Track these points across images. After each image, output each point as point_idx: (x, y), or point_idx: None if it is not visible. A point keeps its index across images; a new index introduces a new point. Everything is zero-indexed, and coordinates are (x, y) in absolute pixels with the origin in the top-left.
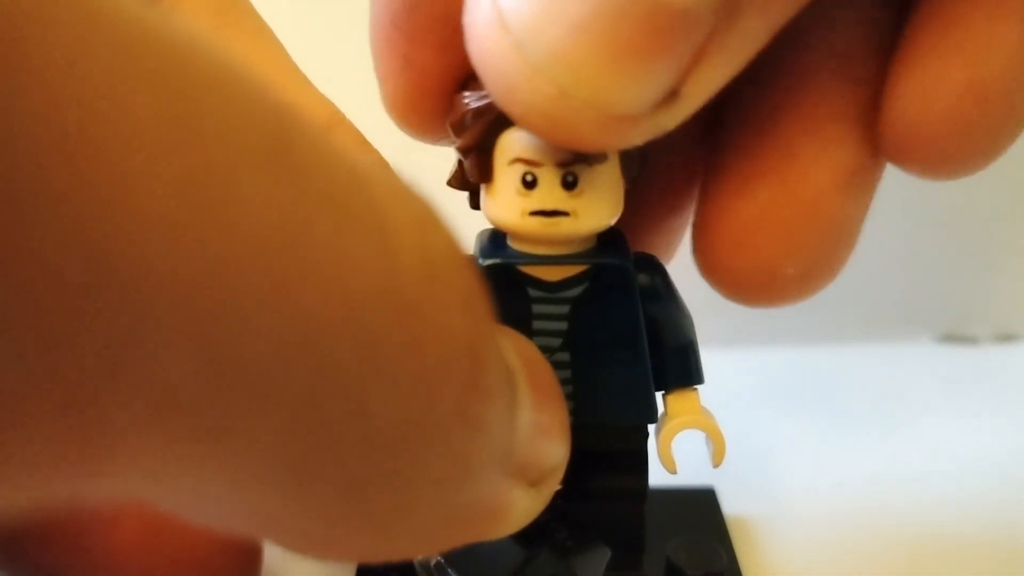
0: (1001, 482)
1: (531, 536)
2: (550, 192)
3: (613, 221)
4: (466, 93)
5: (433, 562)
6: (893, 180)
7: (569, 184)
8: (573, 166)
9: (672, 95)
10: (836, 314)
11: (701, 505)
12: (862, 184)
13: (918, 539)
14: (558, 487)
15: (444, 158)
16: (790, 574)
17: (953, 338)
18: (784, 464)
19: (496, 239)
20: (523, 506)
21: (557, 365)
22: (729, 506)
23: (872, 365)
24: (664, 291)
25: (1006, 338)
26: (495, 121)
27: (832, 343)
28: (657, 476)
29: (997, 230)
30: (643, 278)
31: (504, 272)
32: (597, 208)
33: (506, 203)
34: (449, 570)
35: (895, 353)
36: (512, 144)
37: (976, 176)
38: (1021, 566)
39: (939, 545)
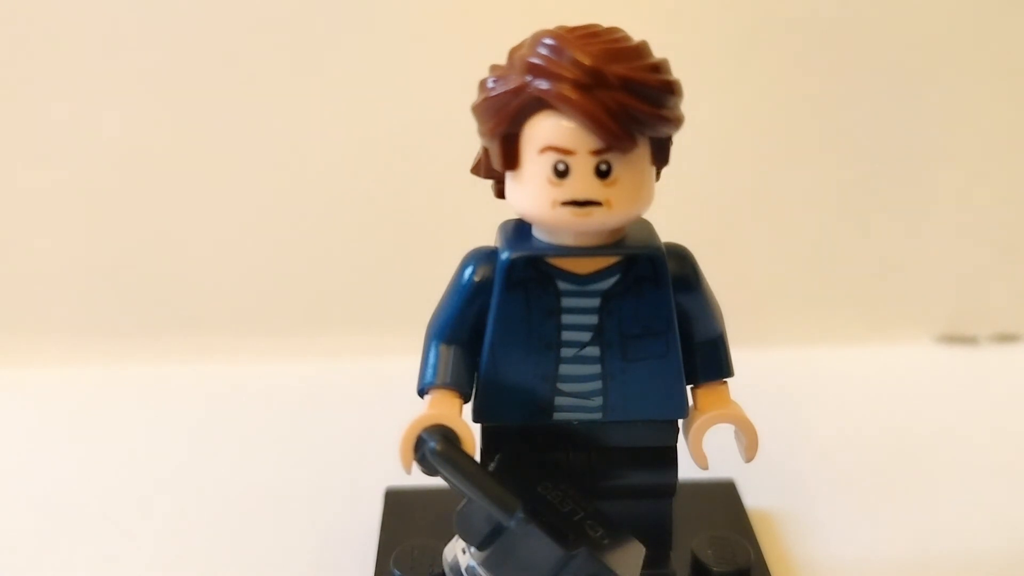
0: (1001, 482)
1: (567, 535)
2: (583, 181)
3: (645, 211)
4: (491, 78)
5: (465, 565)
6: (893, 180)
7: (603, 173)
8: (607, 154)
9: None
10: (836, 314)
11: (722, 498)
12: None
13: (928, 533)
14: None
15: (466, 145)
16: (814, 569)
17: (953, 338)
18: (791, 461)
19: (521, 230)
20: None
21: (586, 360)
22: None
23: (872, 365)
24: (695, 282)
25: (1006, 338)
26: (522, 107)
27: (832, 343)
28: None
29: (997, 230)
30: (674, 269)
31: (533, 265)
32: (630, 197)
33: (535, 192)
34: (483, 573)
35: (895, 353)
36: (542, 131)
37: (975, 177)
38: (1019, 559)
39: (946, 537)
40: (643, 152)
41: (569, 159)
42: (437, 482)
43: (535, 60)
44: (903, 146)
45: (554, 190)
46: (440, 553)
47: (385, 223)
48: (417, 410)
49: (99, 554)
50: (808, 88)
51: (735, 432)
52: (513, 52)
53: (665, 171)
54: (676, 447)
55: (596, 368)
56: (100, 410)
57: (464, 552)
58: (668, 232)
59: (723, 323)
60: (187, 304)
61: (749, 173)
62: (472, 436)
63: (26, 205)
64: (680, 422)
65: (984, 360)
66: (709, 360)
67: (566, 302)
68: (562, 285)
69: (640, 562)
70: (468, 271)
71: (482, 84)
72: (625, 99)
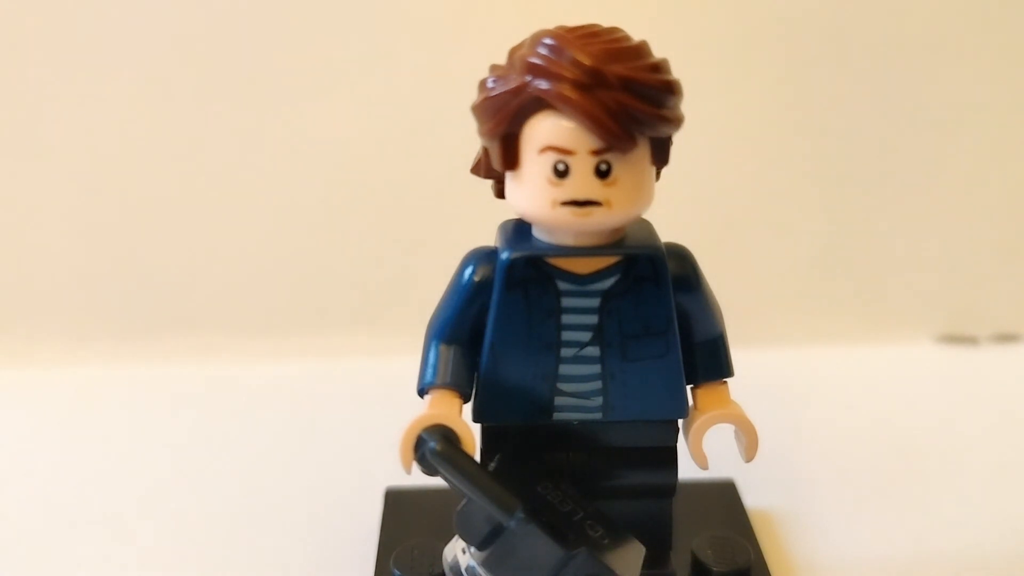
0: (1001, 481)
1: (567, 535)
2: (583, 181)
3: (645, 211)
4: (490, 78)
5: (465, 565)
6: (893, 180)
7: (603, 173)
8: (607, 154)
9: None
10: (836, 314)
11: (722, 498)
12: None
13: (928, 532)
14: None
15: (466, 145)
16: (814, 569)
17: (953, 338)
18: (791, 461)
19: (521, 230)
20: None
21: (586, 360)
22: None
23: (872, 365)
24: (695, 282)
25: (1006, 338)
26: (522, 107)
27: (832, 343)
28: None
29: (997, 230)
30: (674, 269)
31: (533, 265)
32: (630, 197)
33: (535, 193)
34: (483, 573)
35: (895, 353)
36: (542, 131)
37: (976, 176)
38: (1019, 559)
39: (946, 536)
40: (643, 152)
41: (569, 159)
42: (437, 482)
43: (535, 60)
44: (903, 146)
45: (554, 190)
46: (440, 553)
47: (385, 223)
48: (417, 410)
49: (98, 554)
50: (808, 88)
51: (735, 432)
52: (513, 52)
53: (665, 171)
54: (676, 447)
55: (596, 368)
56: (100, 410)
57: (464, 552)
58: (668, 232)
59: (723, 323)
60: (187, 304)
61: (749, 173)
62: (472, 436)
63: (26, 205)
64: (680, 422)
65: (984, 360)
66: (709, 360)
67: (566, 302)
68: (562, 285)
69: (640, 562)
70: (468, 271)
71: (482, 84)
72: (625, 99)
